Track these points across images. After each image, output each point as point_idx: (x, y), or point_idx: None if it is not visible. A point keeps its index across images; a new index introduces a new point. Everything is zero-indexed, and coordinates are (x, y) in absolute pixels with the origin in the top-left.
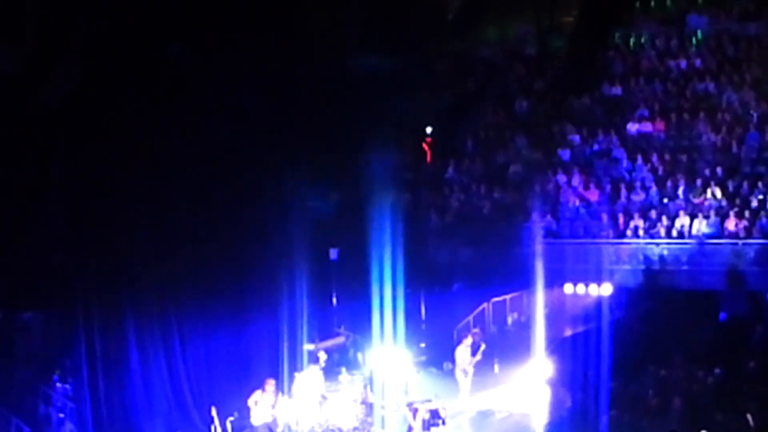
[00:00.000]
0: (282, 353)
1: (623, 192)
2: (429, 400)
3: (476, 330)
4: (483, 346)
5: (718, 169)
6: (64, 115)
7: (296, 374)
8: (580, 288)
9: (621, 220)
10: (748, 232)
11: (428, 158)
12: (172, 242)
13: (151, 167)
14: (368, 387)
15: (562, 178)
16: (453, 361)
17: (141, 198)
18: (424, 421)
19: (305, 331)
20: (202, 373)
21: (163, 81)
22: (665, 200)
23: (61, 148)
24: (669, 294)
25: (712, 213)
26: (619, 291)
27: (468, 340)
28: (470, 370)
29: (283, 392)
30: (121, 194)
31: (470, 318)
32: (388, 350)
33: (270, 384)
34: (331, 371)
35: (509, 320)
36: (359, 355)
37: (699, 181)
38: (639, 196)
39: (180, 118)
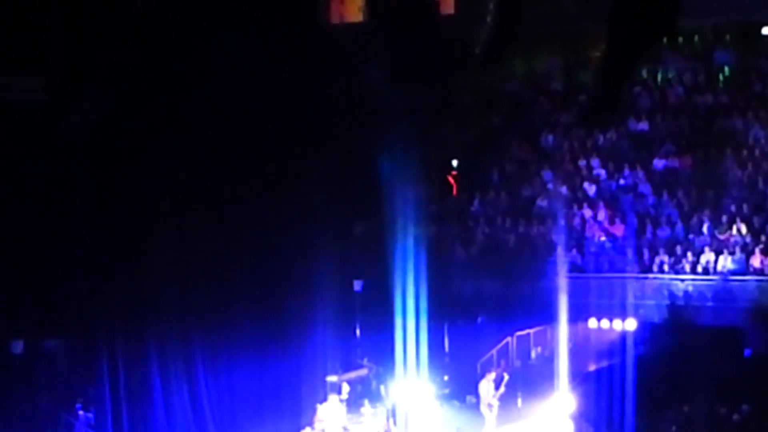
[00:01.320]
0: (305, 385)
1: (649, 227)
2: None
3: (501, 367)
4: (506, 377)
5: (744, 206)
6: (89, 144)
7: (318, 406)
8: (605, 323)
9: (646, 255)
10: None
11: (454, 191)
12: (196, 273)
13: (176, 197)
14: (391, 419)
15: (587, 213)
16: (476, 394)
17: (166, 227)
18: None
19: (328, 363)
20: (225, 405)
21: (188, 109)
22: (691, 236)
23: (85, 176)
24: (693, 330)
25: (737, 249)
26: (644, 326)
27: (491, 375)
28: (495, 403)
29: (304, 425)
30: (147, 224)
31: (494, 352)
32: (411, 383)
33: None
34: (353, 403)
35: (533, 354)
36: (382, 388)
37: (725, 218)
38: (664, 232)
39: (206, 148)
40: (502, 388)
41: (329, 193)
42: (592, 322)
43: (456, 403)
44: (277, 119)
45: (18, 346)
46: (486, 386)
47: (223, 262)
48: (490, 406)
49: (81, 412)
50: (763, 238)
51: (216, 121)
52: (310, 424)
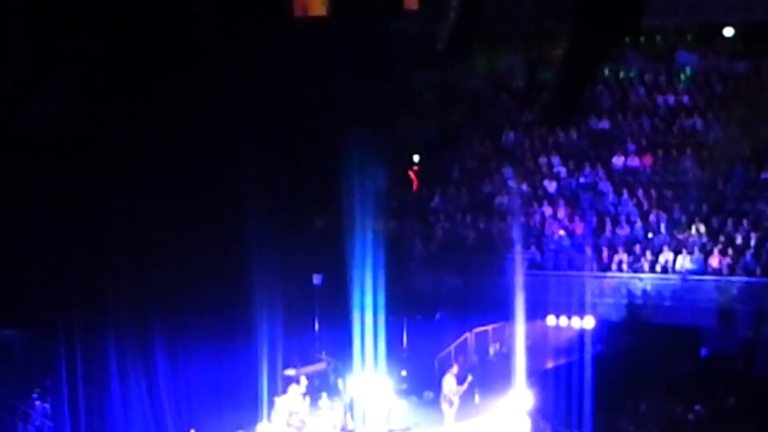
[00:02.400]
0: (263, 378)
1: (608, 226)
2: (408, 429)
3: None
4: (470, 378)
5: (704, 206)
6: (49, 134)
7: (276, 399)
8: (563, 320)
9: (605, 253)
10: (732, 269)
11: (414, 186)
12: (155, 265)
13: (134, 189)
14: (348, 414)
15: (547, 210)
16: (434, 390)
17: (124, 220)
18: None
19: (287, 356)
20: (183, 397)
21: (148, 101)
22: (650, 235)
23: (44, 167)
24: (651, 329)
25: (696, 249)
26: (602, 324)
27: (454, 370)
28: (456, 400)
29: (262, 417)
30: (105, 216)
31: (452, 348)
32: (369, 377)
33: None
34: (311, 397)
35: (491, 351)
36: (340, 382)
37: (684, 217)
38: (624, 230)
39: (164, 139)
40: (465, 386)
41: (289, 187)
42: (551, 320)
43: (414, 398)
44: (236, 111)
45: None
46: (449, 381)
47: (181, 254)
48: (450, 401)
49: (38, 402)
50: (721, 238)
51: (175, 113)
52: (268, 417)
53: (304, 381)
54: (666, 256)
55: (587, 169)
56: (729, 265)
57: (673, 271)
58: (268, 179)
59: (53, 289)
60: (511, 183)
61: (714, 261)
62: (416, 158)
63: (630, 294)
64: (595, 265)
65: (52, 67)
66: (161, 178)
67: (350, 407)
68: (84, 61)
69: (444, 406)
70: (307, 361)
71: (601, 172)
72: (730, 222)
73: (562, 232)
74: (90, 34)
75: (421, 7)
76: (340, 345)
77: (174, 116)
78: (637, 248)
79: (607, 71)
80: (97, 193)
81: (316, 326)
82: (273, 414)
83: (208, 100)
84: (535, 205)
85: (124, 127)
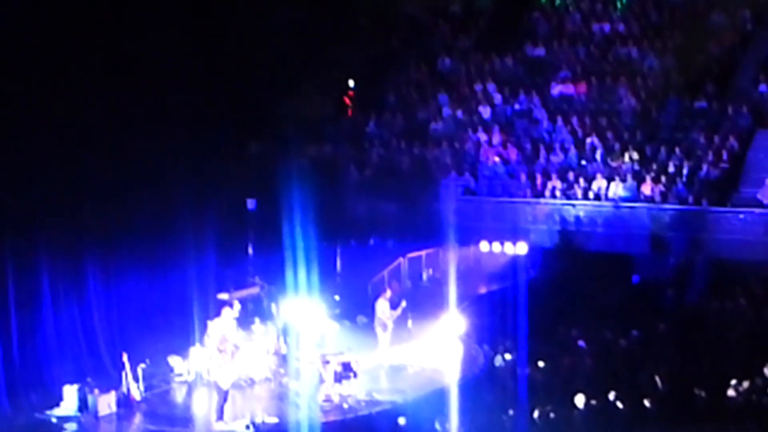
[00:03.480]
0: (196, 302)
1: (542, 153)
2: (341, 353)
3: (396, 286)
4: (404, 303)
5: (637, 133)
6: None
7: (209, 323)
8: (496, 246)
9: (539, 180)
10: (664, 197)
11: (349, 112)
12: (87, 186)
13: (67, 111)
14: (281, 338)
15: (482, 137)
16: (368, 314)
17: (57, 143)
18: (335, 373)
19: (220, 280)
20: (115, 320)
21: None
22: (583, 162)
23: None
24: (584, 255)
25: (629, 177)
26: (535, 251)
27: (387, 294)
28: (390, 324)
29: (195, 341)
30: (37, 138)
31: (386, 273)
32: (302, 302)
33: None
34: (244, 321)
35: (424, 276)
36: (273, 306)
37: (617, 145)
38: (558, 158)
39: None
40: (399, 310)
41: (222, 111)
42: (484, 246)
43: (347, 322)
44: (167, 34)
45: None
46: (382, 306)
47: (114, 177)
48: (383, 326)
49: None
50: (654, 166)
51: (113, 35)
52: (201, 341)
53: (237, 305)
54: (599, 183)
55: (522, 96)
56: (662, 193)
57: (606, 198)
58: (201, 105)
59: None
60: (446, 109)
61: (647, 189)
62: (351, 83)
63: (563, 221)
64: (528, 192)
65: None
66: (95, 101)
67: (283, 332)
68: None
69: (378, 330)
70: (240, 285)
71: (536, 99)
72: (663, 150)
73: (496, 159)
74: None
75: None
76: (273, 270)
77: (110, 38)
78: (571, 175)
79: None
80: (28, 115)
81: (250, 251)
82: (206, 338)
83: (143, 23)
84: (470, 131)
85: (65, 44)
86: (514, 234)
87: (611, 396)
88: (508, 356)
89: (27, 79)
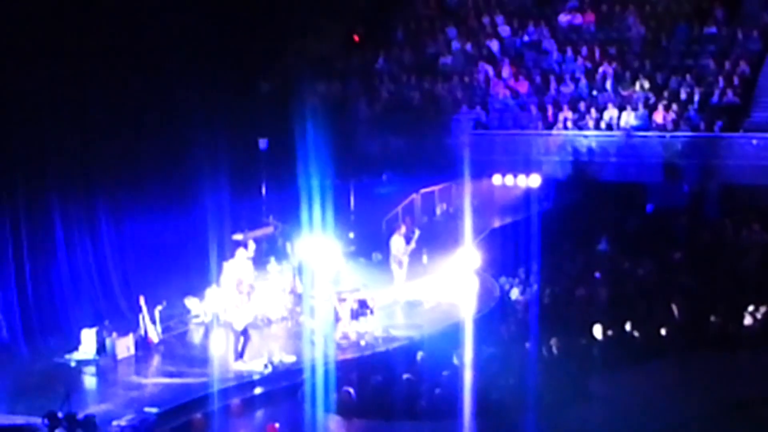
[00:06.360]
0: (211, 243)
1: (553, 84)
2: (357, 290)
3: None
4: (417, 232)
5: (647, 62)
6: None
7: (225, 263)
8: (509, 179)
9: (550, 111)
10: (676, 125)
11: (359, 48)
12: (97, 127)
13: (79, 55)
14: (297, 277)
15: (491, 70)
16: (383, 251)
17: (69, 85)
18: (352, 310)
19: (234, 221)
20: (130, 262)
21: None
22: (594, 92)
23: None
24: (597, 185)
25: (640, 105)
26: (548, 182)
27: (402, 230)
28: (405, 260)
29: (211, 282)
30: (48, 79)
31: (399, 209)
32: (317, 240)
33: None
34: (259, 261)
35: (438, 211)
36: (288, 245)
37: (628, 74)
38: (568, 88)
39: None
40: (413, 244)
41: (232, 51)
42: (497, 179)
43: (362, 260)
44: None
45: None
46: (397, 242)
47: (127, 119)
48: (399, 262)
49: None
50: (665, 93)
51: None
52: (217, 281)
53: (252, 245)
54: (611, 112)
55: (531, 28)
56: (673, 121)
57: (618, 127)
58: (211, 45)
59: None
60: (455, 43)
61: (658, 117)
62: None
63: (575, 151)
64: (540, 124)
65: None
66: (105, 40)
67: (299, 270)
68: None
69: (393, 266)
70: (254, 225)
71: (544, 30)
72: (673, 78)
73: (506, 92)
74: None
75: None
76: (287, 209)
77: None
78: (582, 105)
79: None
80: (37, 56)
81: (263, 191)
82: (222, 278)
83: None
84: (480, 64)
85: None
86: (526, 166)
87: (627, 326)
88: (523, 289)
89: (37, 19)
